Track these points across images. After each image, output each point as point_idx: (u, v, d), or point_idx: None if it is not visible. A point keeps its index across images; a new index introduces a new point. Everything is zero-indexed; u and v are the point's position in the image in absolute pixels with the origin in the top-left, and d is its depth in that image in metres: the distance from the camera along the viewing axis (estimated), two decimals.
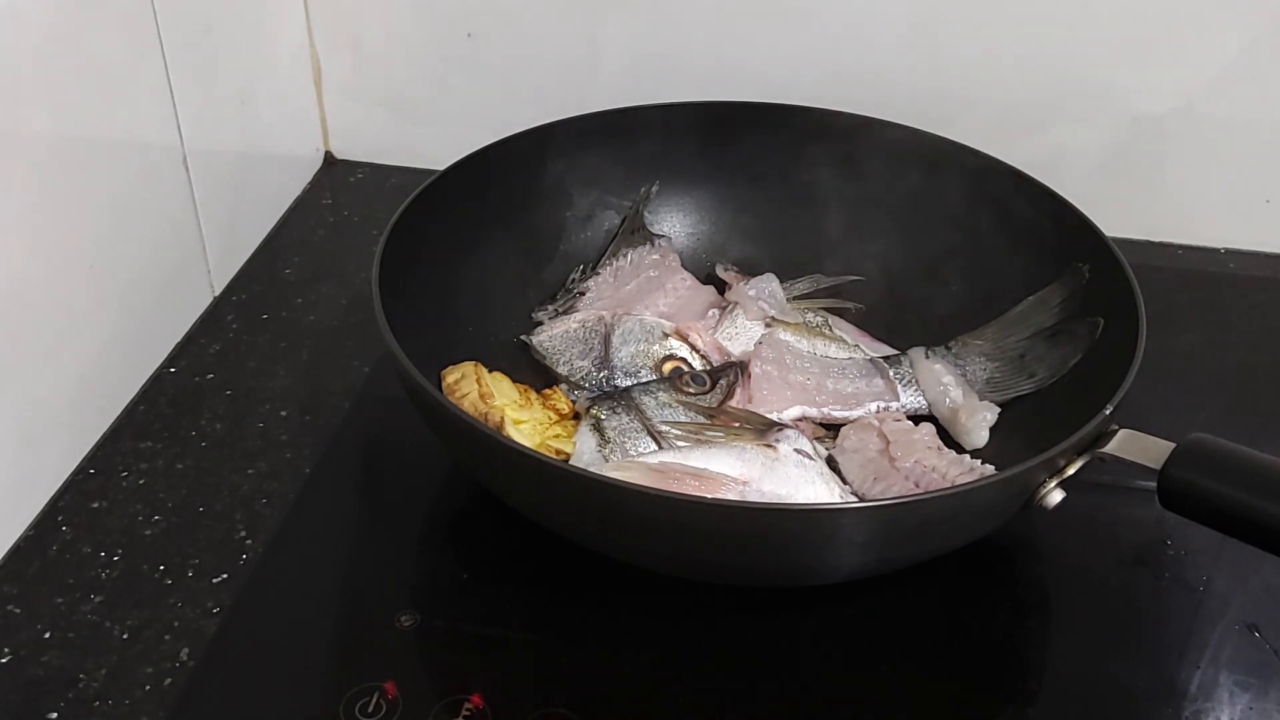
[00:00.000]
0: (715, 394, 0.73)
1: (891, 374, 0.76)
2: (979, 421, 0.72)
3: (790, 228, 0.85)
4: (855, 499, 0.68)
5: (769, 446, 0.66)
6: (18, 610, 0.64)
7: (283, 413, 0.77)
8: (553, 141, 0.81)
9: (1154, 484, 0.58)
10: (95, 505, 0.70)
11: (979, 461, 0.68)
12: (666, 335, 0.78)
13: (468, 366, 0.72)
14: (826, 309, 0.82)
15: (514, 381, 0.74)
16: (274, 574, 0.67)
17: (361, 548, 0.69)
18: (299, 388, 0.79)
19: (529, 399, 0.72)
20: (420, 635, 0.63)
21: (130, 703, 0.60)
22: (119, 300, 0.76)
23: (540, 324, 0.79)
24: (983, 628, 0.65)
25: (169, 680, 0.61)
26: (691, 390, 0.73)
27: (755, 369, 0.75)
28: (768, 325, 0.79)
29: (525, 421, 0.70)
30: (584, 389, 0.75)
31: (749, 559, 0.60)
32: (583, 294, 0.81)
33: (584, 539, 0.63)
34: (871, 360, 0.78)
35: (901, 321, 0.81)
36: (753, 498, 0.63)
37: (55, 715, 0.59)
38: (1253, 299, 0.90)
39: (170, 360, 0.81)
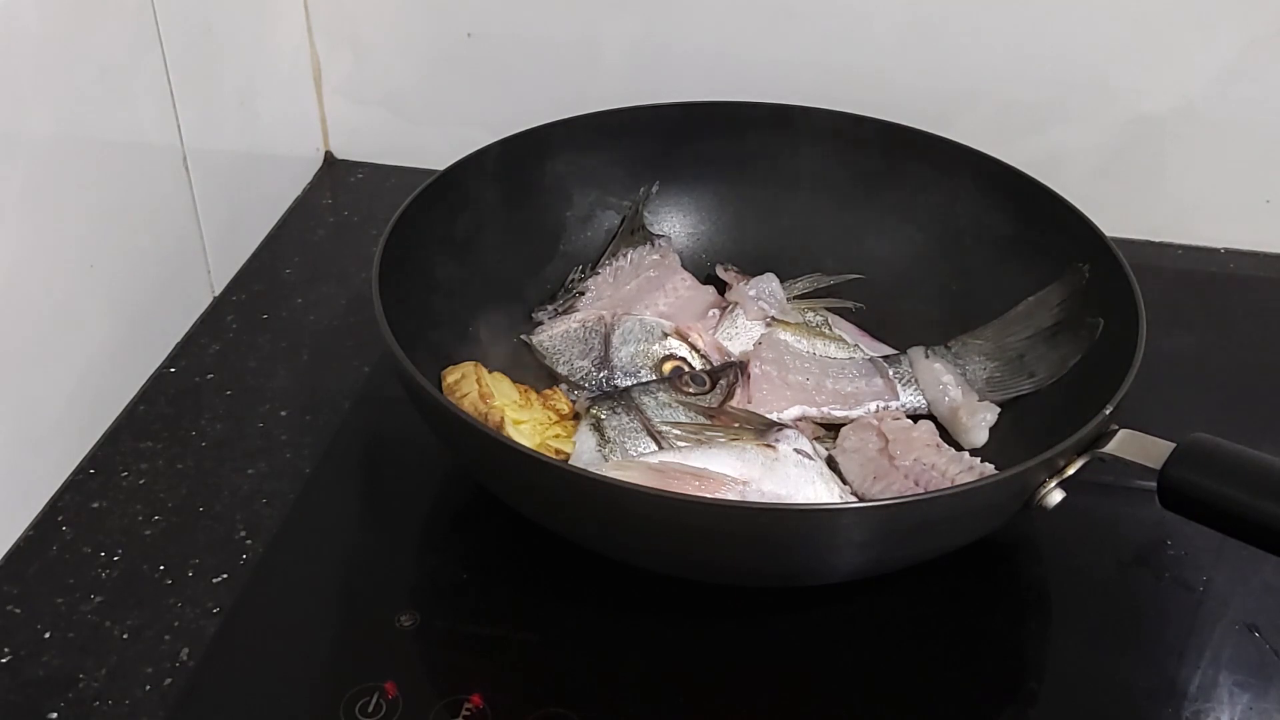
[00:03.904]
0: (715, 394, 0.73)
1: (891, 373, 0.76)
2: (979, 421, 0.72)
3: (790, 228, 0.85)
4: (855, 499, 0.68)
5: (769, 446, 0.66)
6: (18, 610, 0.64)
7: (283, 413, 0.77)
8: (553, 141, 0.81)
9: (1154, 484, 0.58)
10: (95, 505, 0.70)
11: (978, 459, 0.68)
12: (666, 335, 0.78)
13: (468, 366, 0.72)
14: (826, 309, 0.82)
15: (514, 381, 0.74)
16: (274, 574, 0.67)
17: (361, 548, 0.69)
18: (299, 388, 0.79)
19: (529, 399, 0.72)
20: (420, 635, 0.63)
21: (130, 703, 0.60)
22: (119, 300, 0.76)
23: (540, 324, 0.79)
24: (983, 628, 0.65)
25: (169, 680, 0.61)
26: (691, 390, 0.73)
27: (755, 369, 0.75)
28: (768, 325, 0.79)
29: (525, 421, 0.70)
30: (584, 389, 0.75)
31: (749, 559, 0.60)
32: (583, 294, 0.81)
33: (584, 539, 0.63)
34: (871, 360, 0.78)
35: (901, 321, 0.81)
36: (753, 498, 0.63)
37: (55, 715, 0.59)
38: (1253, 299, 0.90)
39: (170, 360, 0.81)
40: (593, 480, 0.58)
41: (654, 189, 0.85)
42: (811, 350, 0.78)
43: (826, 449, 0.72)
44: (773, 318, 0.80)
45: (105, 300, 0.75)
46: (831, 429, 0.74)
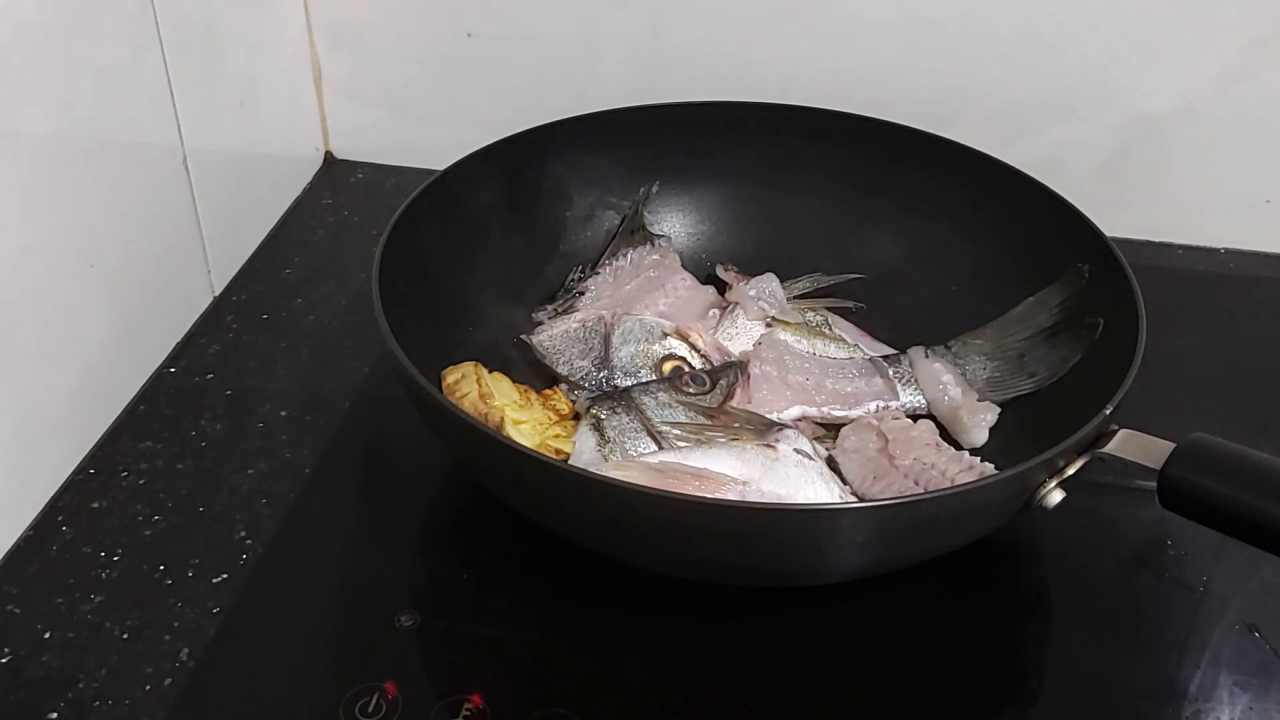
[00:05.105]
0: (715, 394, 0.73)
1: (891, 373, 0.76)
2: (979, 421, 0.72)
3: (790, 228, 0.85)
4: (855, 499, 0.68)
5: (769, 446, 0.66)
6: (18, 610, 0.64)
7: (283, 413, 0.77)
8: (553, 141, 0.81)
9: (1154, 484, 0.58)
10: (95, 505, 0.70)
11: (978, 459, 0.68)
12: (666, 335, 0.78)
13: (468, 366, 0.72)
14: (826, 309, 0.82)
15: (514, 381, 0.74)
16: (274, 574, 0.67)
17: (361, 548, 0.69)
18: (299, 388, 0.79)
19: (529, 399, 0.72)
20: (420, 635, 0.63)
21: (130, 703, 0.60)
22: (119, 300, 0.76)
23: (540, 324, 0.79)
24: (983, 628, 0.65)
25: (169, 680, 0.61)
26: (691, 390, 0.73)
27: (754, 369, 0.75)
28: (768, 325, 0.79)
29: (525, 421, 0.70)
30: (584, 389, 0.75)
31: (749, 559, 0.60)
32: (583, 294, 0.81)
33: (584, 539, 0.63)
34: (871, 359, 0.78)
35: (901, 321, 0.81)
36: (753, 498, 0.63)
37: (55, 715, 0.59)
38: (1253, 299, 0.90)
39: (170, 360, 0.81)
40: (593, 480, 0.58)
41: (654, 189, 0.85)
42: (811, 350, 0.79)
43: (826, 449, 0.72)
44: (773, 318, 0.80)
45: (105, 300, 0.75)
46: (831, 429, 0.74)
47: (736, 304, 0.80)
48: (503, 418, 0.68)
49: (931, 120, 0.81)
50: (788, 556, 0.60)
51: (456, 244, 0.77)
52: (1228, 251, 0.94)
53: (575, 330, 0.78)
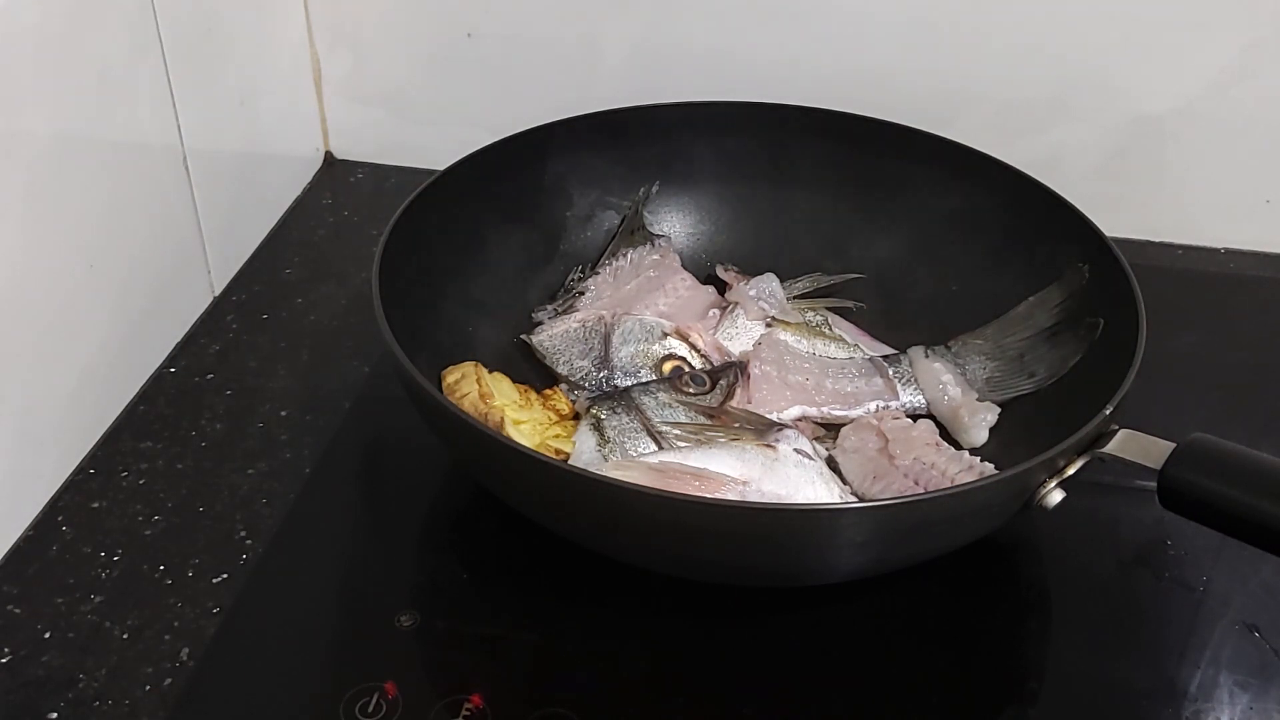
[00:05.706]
0: (715, 394, 0.73)
1: (891, 373, 0.76)
2: (979, 421, 0.72)
3: (790, 228, 0.85)
4: (855, 499, 0.68)
5: (769, 446, 0.66)
6: (18, 610, 0.64)
7: (283, 413, 0.77)
8: (553, 141, 0.81)
9: (1154, 484, 0.58)
10: (95, 505, 0.70)
11: (978, 458, 0.68)
12: (666, 335, 0.78)
13: (468, 366, 0.72)
14: (826, 309, 0.82)
15: (514, 381, 0.74)
16: (274, 574, 0.67)
17: (361, 548, 0.69)
18: (299, 388, 0.79)
19: (529, 399, 0.72)
20: (420, 635, 0.63)
21: (130, 703, 0.60)
22: (119, 300, 0.76)
23: (540, 324, 0.79)
24: (983, 628, 0.65)
25: (169, 680, 0.61)
26: (691, 390, 0.73)
27: (754, 369, 0.75)
28: (768, 325, 0.79)
29: (525, 421, 0.70)
30: (584, 389, 0.75)
31: (749, 559, 0.60)
32: (583, 294, 0.81)
33: (584, 539, 0.63)
34: (871, 359, 0.78)
35: (901, 321, 0.81)
36: (753, 498, 0.63)
37: (55, 715, 0.59)
38: (1253, 299, 0.90)
39: (170, 360, 0.81)
40: (593, 480, 0.58)
41: (654, 189, 0.85)
42: (811, 350, 0.79)
43: (826, 449, 0.72)
44: (773, 318, 0.80)
45: (105, 300, 0.75)
46: (831, 429, 0.74)
47: (736, 304, 0.80)
48: (503, 418, 0.68)
49: (931, 120, 0.81)
50: (788, 556, 0.60)
51: (456, 244, 0.77)
52: (1228, 251, 0.94)
53: (575, 330, 0.78)
